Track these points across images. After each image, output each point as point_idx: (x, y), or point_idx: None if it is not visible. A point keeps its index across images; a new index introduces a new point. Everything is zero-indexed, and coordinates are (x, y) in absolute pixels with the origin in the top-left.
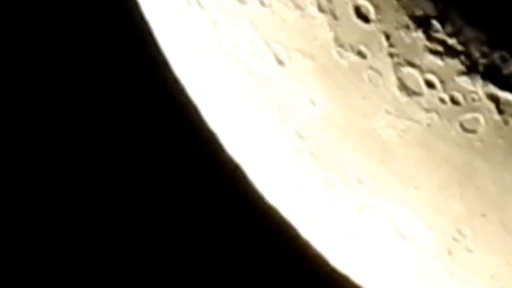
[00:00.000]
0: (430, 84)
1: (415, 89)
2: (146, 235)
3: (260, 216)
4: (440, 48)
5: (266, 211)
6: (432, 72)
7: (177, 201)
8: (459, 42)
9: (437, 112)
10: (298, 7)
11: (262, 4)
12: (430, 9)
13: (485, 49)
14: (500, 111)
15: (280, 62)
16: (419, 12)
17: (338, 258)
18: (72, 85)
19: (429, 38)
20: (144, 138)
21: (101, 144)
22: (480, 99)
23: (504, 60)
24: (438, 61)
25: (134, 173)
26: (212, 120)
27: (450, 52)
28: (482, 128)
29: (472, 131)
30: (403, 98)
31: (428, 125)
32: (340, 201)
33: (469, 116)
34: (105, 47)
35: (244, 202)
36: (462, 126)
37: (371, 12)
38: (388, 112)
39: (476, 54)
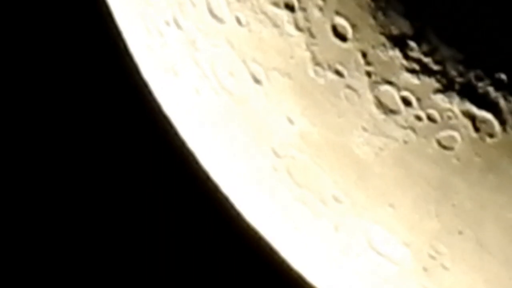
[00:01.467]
0: (406, 102)
1: (392, 106)
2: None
3: (238, 234)
4: (416, 67)
5: (244, 229)
6: (409, 90)
7: (154, 218)
8: (435, 61)
9: (414, 130)
10: (276, 25)
11: (240, 23)
12: (406, 28)
13: (461, 68)
14: (476, 129)
15: (258, 81)
16: (395, 31)
17: (316, 276)
18: (52, 101)
19: (406, 56)
20: (121, 155)
21: (82, 157)
22: (456, 117)
23: (480, 78)
24: (414, 79)
25: (111, 189)
26: (189, 138)
27: (426, 70)
28: (458, 146)
29: (449, 148)
30: (379, 115)
31: (405, 143)
32: (317, 219)
33: (445, 133)
34: (85, 68)
35: (222, 220)
36: (438, 143)
37: (348, 31)
38: (364, 130)
39: (452, 72)
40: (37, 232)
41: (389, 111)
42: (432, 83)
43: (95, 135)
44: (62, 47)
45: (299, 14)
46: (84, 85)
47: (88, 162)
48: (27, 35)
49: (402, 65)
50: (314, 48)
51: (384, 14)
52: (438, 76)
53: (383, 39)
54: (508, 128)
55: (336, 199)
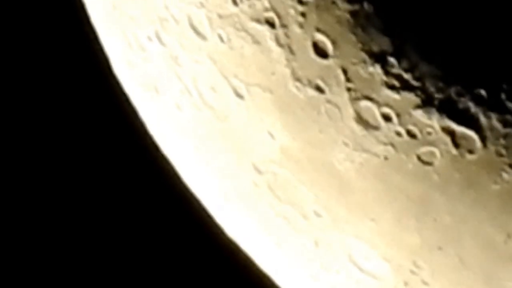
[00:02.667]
0: (387, 118)
1: (372, 122)
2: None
3: (220, 249)
4: (396, 83)
5: (226, 244)
6: (389, 106)
7: (136, 234)
8: (415, 77)
9: (394, 145)
10: (257, 42)
11: (221, 39)
12: (386, 45)
13: (441, 84)
14: (456, 145)
15: (239, 97)
16: (376, 48)
17: None
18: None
19: (386, 73)
20: (102, 171)
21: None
22: (436, 133)
23: (460, 94)
24: (394, 95)
25: (94, 205)
26: (171, 153)
27: (406, 86)
28: (438, 161)
29: (429, 164)
30: (360, 131)
31: (385, 158)
32: (298, 234)
33: (425, 149)
34: (67, 82)
35: (204, 235)
36: (418, 159)
37: (329, 47)
38: (345, 145)
39: (432, 88)
40: (11, 234)
41: (370, 127)
42: (412, 99)
43: (77, 150)
44: (44, 64)
45: (280, 31)
46: (66, 100)
47: (70, 178)
48: (10, 48)
49: (383, 81)
50: (295, 64)
51: (364, 30)
52: (418, 92)
53: (363, 55)
54: (488, 144)
55: (317, 214)
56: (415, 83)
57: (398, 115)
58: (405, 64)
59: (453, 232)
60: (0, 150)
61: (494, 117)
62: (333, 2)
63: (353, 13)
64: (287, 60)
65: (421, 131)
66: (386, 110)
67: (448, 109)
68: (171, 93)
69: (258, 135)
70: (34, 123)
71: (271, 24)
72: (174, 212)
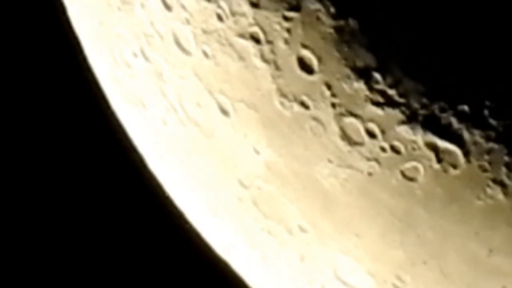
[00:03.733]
0: (371, 134)
1: (357, 138)
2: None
3: (205, 264)
4: (380, 99)
5: (211, 259)
6: (373, 121)
7: (122, 246)
8: (399, 93)
9: (378, 161)
10: (242, 58)
11: (206, 55)
12: (371, 61)
13: (425, 100)
14: (439, 160)
15: (225, 112)
16: (360, 64)
17: None
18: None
19: (370, 88)
20: (89, 184)
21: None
22: (419, 148)
23: (443, 110)
24: (379, 111)
25: (80, 218)
26: (157, 169)
27: (390, 102)
28: (421, 177)
29: (412, 180)
30: (345, 147)
31: (370, 174)
32: (283, 249)
33: (409, 164)
34: (55, 100)
35: (190, 250)
36: (402, 174)
37: (314, 63)
38: (330, 161)
39: (416, 104)
40: None
41: (354, 143)
42: (396, 115)
43: (63, 164)
44: (32, 81)
45: (265, 47)
46: (52, 114)
47: (57, 191)
48: None
49: (367, 97)
50: (280, 80)
51: (349, 46)
52: (402, 108)
53: (348, 71)
54: (472, 159)
55: (302, 229)
56: (399, 99)
57: (382, 131)
58: (389, 80)
59: (437, 247)
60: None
61: (477, 133)
62: (318, 18)
63: (338, 29)
64: (272, 76)
65: (405, 147)
66: (371, 126)
67: (432, 125)
68: (157, 109)
69: (243, 151)
70: (21, 138)
71: (256, 40)
72: (160, 226)
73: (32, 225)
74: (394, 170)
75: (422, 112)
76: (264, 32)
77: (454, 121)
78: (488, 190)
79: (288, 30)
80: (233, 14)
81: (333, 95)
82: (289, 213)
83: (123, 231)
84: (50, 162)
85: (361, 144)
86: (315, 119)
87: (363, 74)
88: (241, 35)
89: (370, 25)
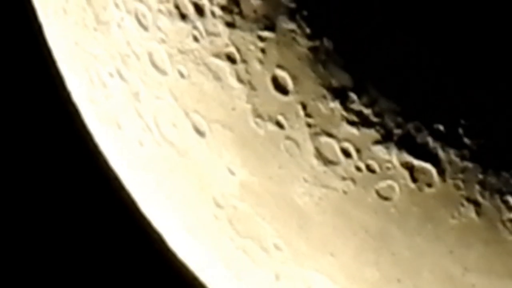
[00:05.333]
0: (346, 153)
1: (332, 158)
2: None
3: (181, 283)
4: (356, 118)
5: (188, 278)
6: (349, 141)
7: (96, 265)
8: (375, 113)
9: (353, 180)
10: (217, 78)
11: (182, 75)
12: (346, 81)
13: (400, 119)
14: (414, 179)
15: (200, 133)
16: (336, 84)
17: None
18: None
19: (346, 108)
20: (64, 203)
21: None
22: (394, 167)
23: (418, 130)
24: (354, 131)
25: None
26: (133, 188)
27: (366, 122)
28: (397, 196)
29: (388, 199)
30: (320, 166)
31: (345, 193)
32: (258, 268)
33: (384, 184)
34: (31, 119)
35: (166, 268)
36: (377, 193)
37: (289, 83)
38: (305, 181)
39: (391, 124)
40: None
41: (329, 162)
42: (372, 134)
43: (38, 183)
44: (7, 102)
45: (240, 66)
46: (28, 134)
47: (32, 210)
48: None
49: (342, 116)
50: (255, 100)
51: (324, 66)
52: (378, 128)
53: (323, 91)
54: (446, 178)
55: (277, 248)
56: (374, 118)
57: (357, 150)
58: (364, 99)
59: (412, 266)
60: None
61: (452, 151)
62: (293, 38)
63: (313, 49)
64: (248, 96)
65: (380, 166)
66: (346, 145)
67: (407, 144)
68: (132, 128)
69: (218, 171)
70: None
71: (231, 60)
72: (135, 245)
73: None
74: (369, 189)
75: (397, 131)
76: (240, 52)
77: (429, 140)
78: (462, 209)
79: (263, 50)
80: (209, 34)
81: (308, 115)
82: (264, 232)
83: (97, 250)
84: (24, 182)
85: (336, 163)
86: (290, 138)
87: (339, 94)
88: (217, 55)
89: (345, 45)
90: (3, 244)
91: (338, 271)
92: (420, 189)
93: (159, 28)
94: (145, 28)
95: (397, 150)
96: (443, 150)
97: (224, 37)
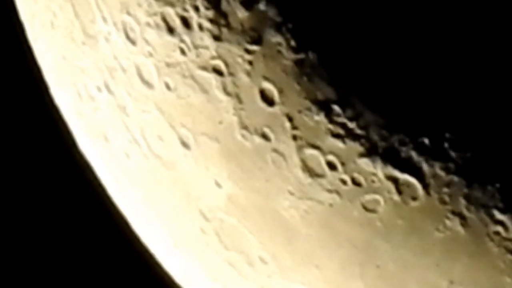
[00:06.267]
0: (332, 166)
1: (318, 170)
2: None
3: None
4: (341, 131)
5: None
6: (334, 154)
7: (83, 278)
8: (359, 126)
9: (339, 193)
10: (204, 91)
11: (168, 88)
12: (331, 94)
13: (385, 132)
14: (399, 192)
15: (186, 146)
16: (321, 96)
17: None
18: None
19: (331, 121)
20: (51, 214)
21: None
22: (380, 181)
23: (403, 143)
24: (339, 144)
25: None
26: (120, 201)
27: (351, 135)
28: (382, 209)
29: (373, 211)
30: (305, 179)
31: (330, 206)
32: (244, 281)
33: (369, 196)
34: (19, 132)
35: (152, 282)
36: (363, 206)
37: (275, 95)
38: (291, 193)
39: (376, 137)
40: None
41: (315, 175)
42: (357, 147)
43: (26, 195)
44: None
45: (228, 79)
46: (16, 147)
47: (20, 227)
48: None
49: (328, 129)
50: (242, 112)
51: (309, 79)
52: (362, 141)
53: (308, 104)
54: (431, 192)
55: (262, 261)
56: (359, 131)
57: (342, 164)
58: (349, 112)
59: (397, 279)
60: None
61: (437, 165)
62: (279, 51)
63: (298, 62)
64: (234, 108)
65: (365, 179)
66: (331, 158)
67: (392, 158)
68: (119, 142)
69: (205, 184)
70: None
71: (218, 73)
72: (122, 257)
73: None
74: (355, 202)
75: (382, 144)
76: (227, 65)
77: (413, 154)
78: (448, 222)
79: (250, 63)
80: (196, 47)
81: (294, 127)
82: (250, 245)
83: (83, 262)
84: (12, 194)
85: (322, 176)
86: (276, 151)
87: (324, 107)
88: (204, 68)
89: (330, 58)
90: None
91: (323, 284)
92: (405, 202)
93: (146, 42)
94: (132, 41)
95: (382, 163)
96: (428, 163)
97: (211, 50)
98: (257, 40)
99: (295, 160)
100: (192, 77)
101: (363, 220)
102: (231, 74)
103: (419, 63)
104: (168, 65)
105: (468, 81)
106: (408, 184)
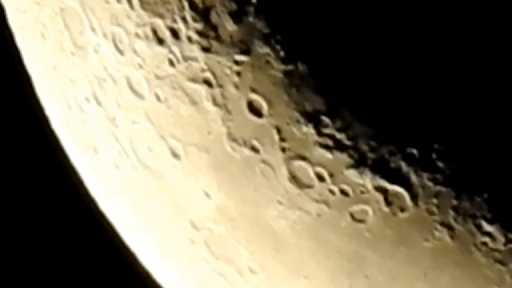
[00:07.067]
0: (320, 177)
1: (306, 181)
2: None
3: None
4: (329, 142)
5: None
6: (322, 165)
7: (73, 284)
8: (348, 137)
9: (327, 203)
10: (193, 102)
11: (159, 99)
12: (320, 105)
13: (373, 143)
14: (388, 203)
15: (176, 156)
16: (309, 108)
17: None
18: None
19: (319, 132)
20: (41, 225)
21: None
22: (368, 191)
23: (392, 154)
24: (327, 155)
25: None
26: (109, 211)
27: (339, 146)
28: (370, 219)
29: (361, 222)
30: (294, 190)
31: (318, 216)
32: None
33: (358, 207)
34: (9, 147)
35: None
36: (351, 216)
37: (264, 107)
38: (279, 204)
39: (364, 148)
40: None
41: (303, 186)
42: (345, 158)
43: (16, 207)
44: None
45: (217, 91)
46: (6, 158)
47: (8, 237)
48: None
49: (316, 141)
50: (230, 124)
51: (298, 91)
52: (351, 152)
53: (297, 115)
54: (419, 202)
55: (252, 271)
56: (348, 142)
57: (331, 175)
58: (338, 123)
59: None
60: None
61: (425, 176)
62: (268, 62)
63: (287, 73)
64: (223, 119)
65: (354, 190)
66: (319, 169)
67: (381, 169)
68: (109, 153)
69: (194, 194)
70: None
71: (208, 84)
72: (111, 267)
73: None
74: (343, 212)
75: (370, 155)
76: (215, 76)
77: (402, 164)
78: (436, 233)
79: (239, 74)
80: (185, 59)
81: (283, 139)
82: (239, 255)
83: (72, 272)
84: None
85: (310, 186)
86: (265, 162)
87: (312, 118)
88: (193, 80)
89: (319, 69)
90: None
91: None
92: (393, 213)
93: (136, 53)
94: (121, 52)
95: (371, 174)
96: (416, 174)
97: (200, 62)
98: (246, 51)
99: (284, 171)
100: (182, 89)
101: (351, 231)
102: (220, 85)
103: (408, 75)
104: (157, 76)
105: (455, 93)
106: (397, 195)
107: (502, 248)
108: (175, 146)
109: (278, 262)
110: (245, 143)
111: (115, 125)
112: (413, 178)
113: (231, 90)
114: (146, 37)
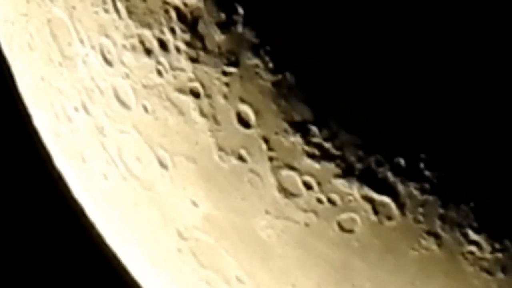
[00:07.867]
0: (308, 186)
1: (294, 190)
2: None
3: None
4: (317, 152)
5: None
6: (310, 174)
7: None
8: (335, 146)
9: (315, 212)
10: (181, 113)
11: (146, 110)
12: (307, 115)
13: (361, 153)
14: (376, 212)
15: (164, 166)
16: (297, 117)
17: None
18: None
19: (307, 142)
20: (31, 239)
21: None
22: (356, 200)
23: (379, 164)
24: (315, 164)
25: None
26: (98, 221)
27: (326, 155)
28: (358, 228)
29: (349, 231)
30: (282, 199)
31: (306, 225)
32: None
33: (346, 216)
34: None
35: None
36: (339, 225)
37: (251, 117)
38: (267, 213)
39: (352, 158)
40: None
41: (291, 195)
42: (333, 168)
43: (3, 217)
44: None
45: (204, 101)
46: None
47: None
48: None
49: (304, 150)
50: (218, 134)
51: (286, 100)
52: (338, 161)
53: (285, 125)
54: (406, 212)
55: (239, 280)
56: (335, 152)
57: (319, 184)
58: (325, 133)
59: None
60: None
61: (412, 185)
62: (256, 73)
63: (275, 84)
64: (211, 130)
65: (341, 199)
66: (307, 178)
67: (368, 178)
68: (97, 162)
69: (182, 203)
70: None
71: (195, 95)
72: (100, 277)
73: None
74: (331, 221)
75: (358, 165)
76: (203, 87)
77: (389, 174)
78: (423, 242)
79: (227, 85)
80: (173, 69)
81: (271, 148)
82: (227, 264)
83: (61, 282)
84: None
85: (298, 196)
86: (252, 171)
87: (300, 128)
88: (181, 90)
89: (307, 80)
90: None
91: None
92: (381, 222)
93: (123, 63)
94: (109, 63)
95: (358, 184)
96: (403, 184)
97: (188, 72)
98: (234, 62)
99: (271, 180)
100: (169, 99)
101: (339, 240)
102: (207, 96)
103: (395, 84)
104: (145, 87)
105: (442, 102)
106: (384, 204)
107: (489, 257)
108: (163, 156)
109: (266, 271)
110: (233, 153)
111: (103, 134)
112: (400, 187)
113: (220, 100)
114: (134, 48)
